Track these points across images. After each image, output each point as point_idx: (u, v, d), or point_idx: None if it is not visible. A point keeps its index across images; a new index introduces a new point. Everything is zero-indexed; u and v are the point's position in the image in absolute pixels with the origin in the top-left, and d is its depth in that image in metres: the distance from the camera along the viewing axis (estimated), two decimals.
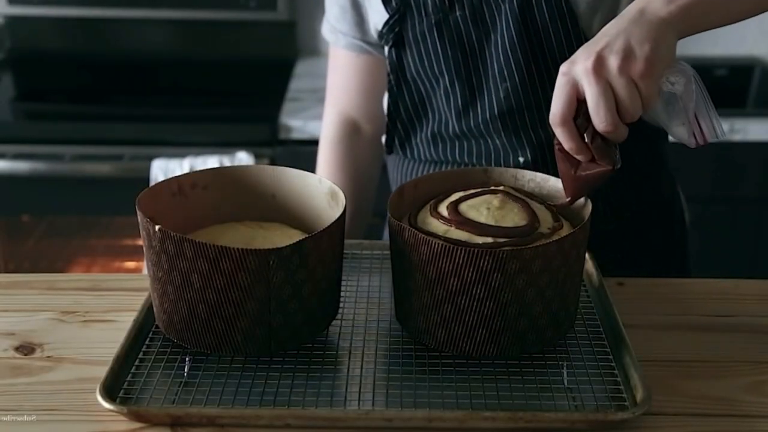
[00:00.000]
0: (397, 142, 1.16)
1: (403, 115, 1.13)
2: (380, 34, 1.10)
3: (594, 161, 0.83)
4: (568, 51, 1.00)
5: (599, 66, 0.78)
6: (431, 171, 1.12)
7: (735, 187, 2.03)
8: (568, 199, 0.86)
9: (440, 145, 1.12)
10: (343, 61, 1.21)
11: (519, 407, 0.75)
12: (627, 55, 0.78)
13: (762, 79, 2.37)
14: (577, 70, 0.80)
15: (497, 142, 1.07)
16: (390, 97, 1.13)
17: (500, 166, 1.06)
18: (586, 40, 0.92)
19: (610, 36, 0.80)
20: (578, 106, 0.81)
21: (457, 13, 1.03)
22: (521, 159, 1.06)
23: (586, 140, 0.82)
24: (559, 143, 0.83)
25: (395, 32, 1.08)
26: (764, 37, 2.40)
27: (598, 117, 0.79)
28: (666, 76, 0.81)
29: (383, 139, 1.18)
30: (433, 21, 1.04)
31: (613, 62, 0.78)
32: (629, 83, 0.78)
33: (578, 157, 0.83)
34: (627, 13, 0.82)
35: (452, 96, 1.07)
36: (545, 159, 1.05)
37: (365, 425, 0.73)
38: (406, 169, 1.17)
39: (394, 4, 1.07)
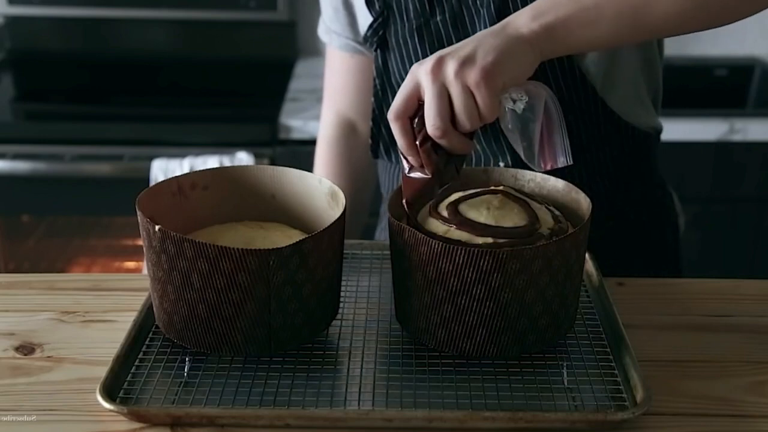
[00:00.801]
0: (382, 147, 1.15)
1: (388, 120, 1.13)
2: (365, 38, 1.10)
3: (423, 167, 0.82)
4: None
5: (438, 68, 0.77)
6: None
7: (734, 187, 2.03)
8: (403, 200, 0.85)
9: None
10: (338, 61, 1.21)
11: (519, 407, 0.75)
12: (466, 62, 0.77)
13: (762, 79, 2.37)
14: (420, 70, 0.79)
15: (477, 147, 1.07)
16: (375, 101, 1.13)
17: None
18: None
19: (463, 43, 0.80)
20: (420, 107, 0.80)
21: (438, 18, 1.03)
22: (501, 164, 1.05)
23: (417, 142, 0.80)
24: None
25: (379, 36, 1.08)
26: (764, 37, 2.40)
27: (428, 119, 0.78)
28: (509, 92, 0.80)
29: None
30: (414, 26, 1.04)
31: (450, 66, 0.77)
32: (464, 90, 0.77)
33: (409, 159, 0.82)
34: (493, 26, 0.81)
35: None
36: (524, 165, 1.04)
37: (365, 425, 0.73)
38: (393, 174, 1.17)
39: (377, 7, 1.07)
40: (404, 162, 0.84)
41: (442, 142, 0.79)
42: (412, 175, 0.83)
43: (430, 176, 0.82)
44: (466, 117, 0.78)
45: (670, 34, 0.89)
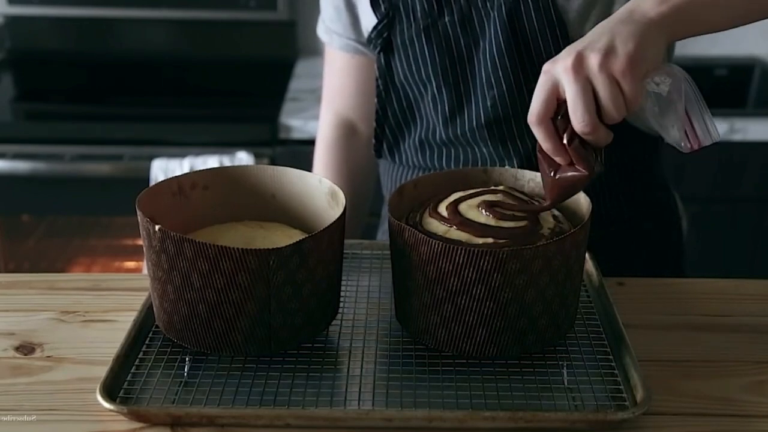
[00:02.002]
0: (385, 147, 1.15)
1: (391, 121, 1.13)
2: (369, 39, 1.10)
3: (572, 165, 0.80)
4: None
5: (579, 64, 0.76)
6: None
7: (734, 187, 2.03)
8: (547, 203, 0.83)
9: (428, 152, 1.11)
10: (339, 62, 1.20)
11: (519, 407, 0.75)
12: (608, 53, 0.76)
13: (762, 79, 2.37)
14: (557, 69, 0.77)
15: (484, 150, 1.07)
16: (378, 102, 1.13)
17: None
18: None
19: (595, 35, 0.78)
20: (559, 105, 0.79)
21: (446, 19, 1.03)
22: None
23: (564, 141, 0.79)
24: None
25: (384, 37, 1.07)
26: (764, 37, 2.40)
27: (576, 117, 0.76)
28: (651, 77, 0.79)
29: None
30: (421, 26, 1.04)
31: (593, 59, 0.76)
32: (610, 81, 0.76)
33: (557, 160, 0.81)
34: (616, 14, 0.80)
35: (439, 102, 1.07)
36: (532, 168, 1.04)
37: (365, 425, 0.73)
38: (395, 175, 1.17)
39: (383, 8, 1.06)
40: (545, 164, 0.82)
41: (589, 137, 0.78)
42: (560, 175, 0.81)
43: (585, 172, 0.79)
44: (614, 108, 0.76)
45: None
